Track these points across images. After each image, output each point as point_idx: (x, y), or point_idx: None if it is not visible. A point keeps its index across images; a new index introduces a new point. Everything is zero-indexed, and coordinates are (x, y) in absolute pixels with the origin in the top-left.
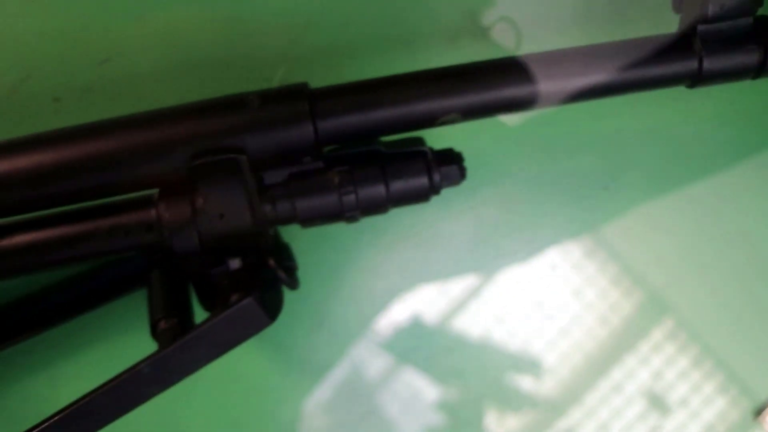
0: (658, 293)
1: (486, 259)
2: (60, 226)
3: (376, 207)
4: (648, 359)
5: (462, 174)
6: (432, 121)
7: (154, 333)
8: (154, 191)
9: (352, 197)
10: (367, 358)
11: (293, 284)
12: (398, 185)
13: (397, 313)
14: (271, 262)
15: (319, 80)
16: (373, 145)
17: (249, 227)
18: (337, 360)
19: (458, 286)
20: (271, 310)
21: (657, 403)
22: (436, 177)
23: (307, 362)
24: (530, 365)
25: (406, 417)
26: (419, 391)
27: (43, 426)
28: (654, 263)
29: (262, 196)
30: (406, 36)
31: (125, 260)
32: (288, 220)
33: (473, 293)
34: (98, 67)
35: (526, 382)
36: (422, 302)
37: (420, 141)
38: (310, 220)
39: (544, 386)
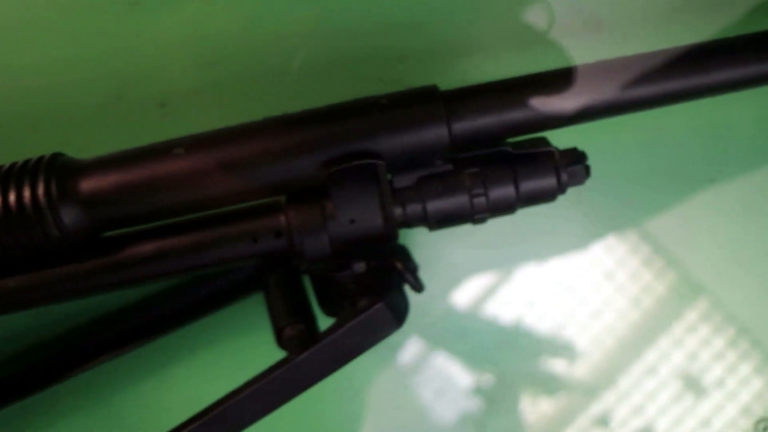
0: (692, 273)
1: (516, 242)
2: (186, 234)
3: (505, 208)
4: (682, 341)
5: (587, 173)
6: (566, 121)
7: (280, 340)
8: (275, 198)
9: (482, 199)
10: (401, 343)
11: (419, 286)
12: (528, 186)
13: (428, 299)
14: (398, 264)
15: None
16: (500, 146)
17: (380, 231)
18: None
19: (489, 270)
20: (399, 314)
21: (692, 384)
22: (564, 177)
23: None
24: (563, 349)
25: (439, 401)
26: (452, 375)
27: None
28: (686, 243)
29: (392, 200)
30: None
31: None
32: (417, 222)
33: (504, 278)
34: (205, 71)
35: (559, 366)
36: (454, 287)
37: (544, 141)
38: (440, 222)
39: (577, 370)
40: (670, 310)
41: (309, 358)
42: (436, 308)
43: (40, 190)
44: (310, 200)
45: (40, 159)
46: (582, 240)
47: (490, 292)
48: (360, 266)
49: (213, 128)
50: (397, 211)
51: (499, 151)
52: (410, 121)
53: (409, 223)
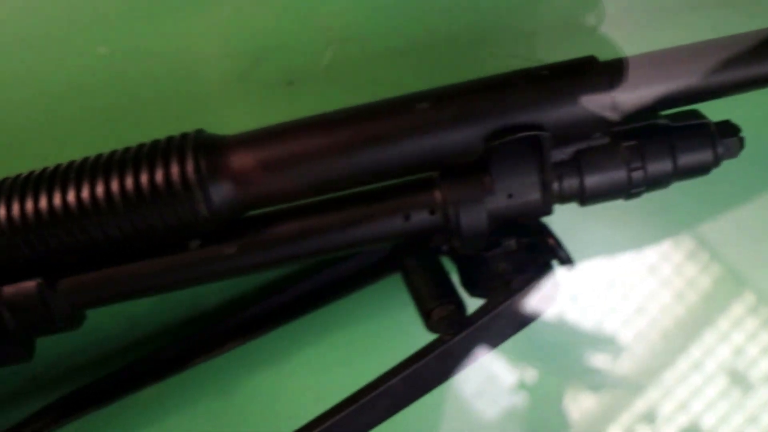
0: (737, 267)
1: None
2: (334, 212)
3: (661, 182)
4: (728, 335)
5: (741, 145)
6: (732, 89)
7: (430, 322)
8: (426, 174)
9: (640, 173)
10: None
11: (570, 262)
12: (685, 159)
13: None
14: (551, 240)
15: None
16: (655, 119)
17: (537, 206)
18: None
19: None
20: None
21: (739, 379)
22: (720, 149)
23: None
24: (606, 344)
25: (482, 398)
26: (495, 372)
27: (336, 418)
28: (731, 236)
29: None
30: None
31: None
32: (572, 197)
33: None
34: (334, 47)
35: (602, 362)
36: None
37: (697, 113)
38: (595, 197)
39: (621, 365)
40: (716, 304)
41: (463, 340)
42: (479, 302)
43: (189, 166)
44: (466, 175)
45: (185, 135)
46: (625, 234)
47: None
48: (510, 243)
49: (340, 107)
50: (554, 185)
51: (653, 124)
52: (574, 92)
53: (564, 197)
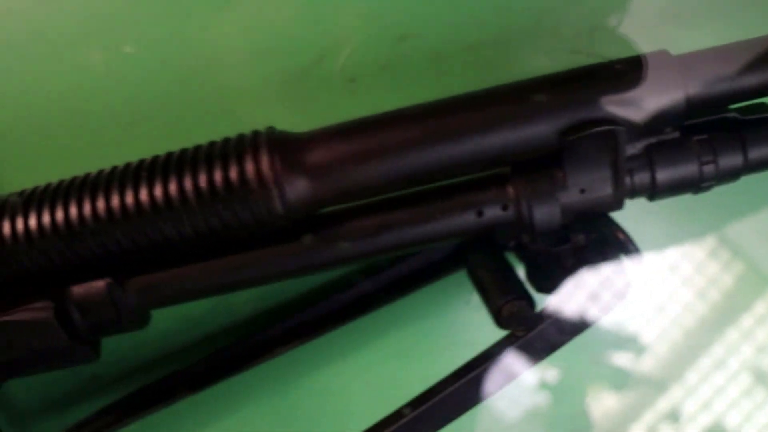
0: (760, 264)
1: None
2: (406, 208)
3: (732, 176)
4: (752, 333)
5: None
6: None
7: (500, 319)
8: (497, 170)
9: (711, 167)
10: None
11: (639, 257)
12: (756, 152)
13: None
14: (621, 234)
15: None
16: (725, 112)
17: (609, 201)
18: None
19: None
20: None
21: (763, 378)
22: None
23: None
24: (628, 343)
25: (503, 398)
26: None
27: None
28: (753, 233)
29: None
30: None
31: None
32: (642, 192)
33: None
34: (396, 45)
35: (624, 361)
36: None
37: (766, 106)
38: (664, 191)
39: (644, 364)
40: (739, 302)
41: (536, 336)
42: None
43: (265, 163)
44: (539, 170)
45: (257, 132)
46: (646, 233)
47: None
48: (580, 238)
49: (402, 105)
50: (626, 180)
51: (724, 117)
52: (648, 86)
53: (635, 192)
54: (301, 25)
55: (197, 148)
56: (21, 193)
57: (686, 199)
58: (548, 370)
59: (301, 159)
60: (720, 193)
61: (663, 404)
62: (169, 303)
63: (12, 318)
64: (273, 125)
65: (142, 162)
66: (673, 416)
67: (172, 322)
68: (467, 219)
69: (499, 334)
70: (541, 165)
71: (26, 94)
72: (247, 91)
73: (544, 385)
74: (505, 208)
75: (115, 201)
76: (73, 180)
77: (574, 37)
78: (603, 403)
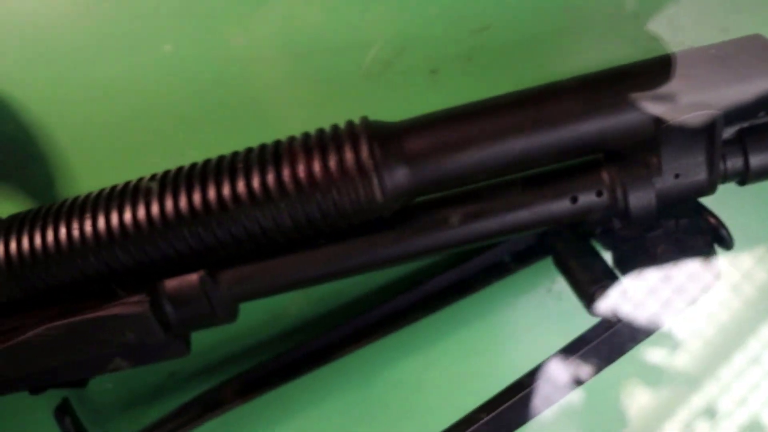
0: None
1: None
2: (503, 196)
3: None
4: None
5: None
6: None
7: (591, 305)
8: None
9: None
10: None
11: (730, 243)
12: None
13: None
14: (712, 219)
15: None
16: None
17: (702, 186)
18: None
19: None
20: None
21: None
22: None
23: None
24: (662, 339)
25: (538, 396)
26: (551, 368)
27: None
28: None
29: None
30: None
31: None
32: (734, 176)
33: None
34: (476, 36)
35: (658, 357)
36: None
37: None
38: (757, 176)
39: (678, 360)
40: None
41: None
42: None
43: (364, 152)
44: (633, 156)
45: (352, 123)
46: None
47: None
48: (670, 224)
49: (484, 95)
50: (719, 165)
51: None
52: (744, 71)
53: (727, 177)
54: (383, 18)
55: (292, 140)
56: (113, 189)
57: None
58: (581, 367)
59: (400, 147)
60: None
61: (698, 401)
62: (261, 295)
63: (108, 313)
64: (360, 115)
65: (236, 154)
66: (709, 413)
67: (252, 317)
68: (562, 206)
69: (583, 320)
70: (636, 151)
71: (88, 97)
72: (331, 85)
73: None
74: (599, 194)
75: (212, 193)
76: (166, 174)
77: (652, 23)
78: (637, 400)
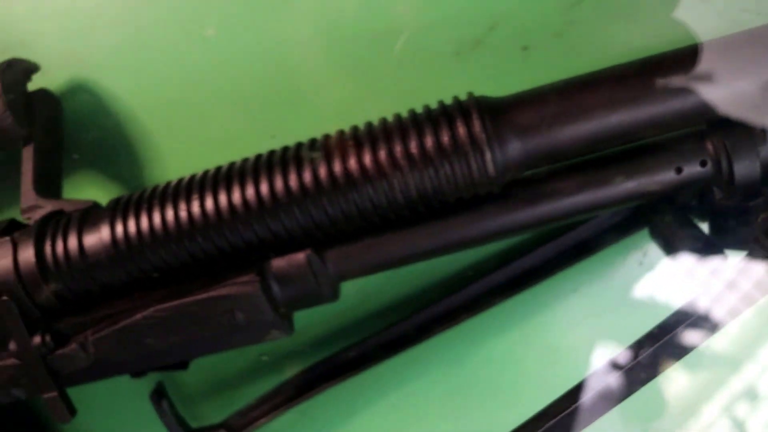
0: None
1: None
2: (608, 168)
3: None
4: None
5: None
6: None
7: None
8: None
9: None
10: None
11: None
12: None
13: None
14: None
15: None
16: None
17: None
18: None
19: None
20: None
21: None
22: None
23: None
24: (700, 321)
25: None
26: (588, 351)
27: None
28: None
29: None
30: None
31: None
32: None
33: None
34: (569, 11)
35: (696, 339)
36: None
37: None
38: None
39: (716, 343)
40: None
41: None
42: None
43: (476, 126)
44: (737, 125)
45: (459, 99)
46: None
47: None
48: None
49: (576, 72)
50: None
51: None
52: None
53: None
54: None
55: (399, 118)
56: (218, 170)
57: None
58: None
59: (511, 121)
60: None
61: (737, 383)
62: (365, 273)
63: (217, 293)
64: (451, 94)
65: (341, 133)
66: (750, 395)
67: (343, 298)
68: (666, 176)
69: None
70: (737, 120)
71: (173, 83)
72: (423, 64)
73: (614, 366)
74: (703, 164)
75: (323, 171)
76: (272, 154)
77: None
78: (676, 383)
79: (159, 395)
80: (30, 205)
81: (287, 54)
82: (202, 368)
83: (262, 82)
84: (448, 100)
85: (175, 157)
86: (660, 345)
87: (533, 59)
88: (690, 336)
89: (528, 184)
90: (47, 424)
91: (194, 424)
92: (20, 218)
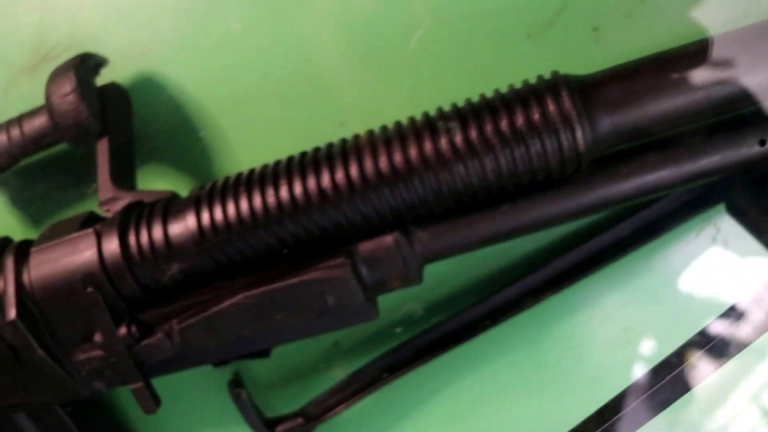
0: None
1: None
2: (687, 143)
3: None
4: None
5: None
6: None
7: None
8: None
9: None
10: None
11: None
12: None
13: None
14: None
15: None
16: None
17: None
18: None
19: None
20: None
21: None
22: None
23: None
24: (725, 309)
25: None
26: (616, 341)
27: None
28: None
29: None
30: None
31: None
32: None
33: None
34: None
35: (720, 327)
36: None
37: None
38: None
39: (740, 331)
40: None
41: None
42: None
43: (567, 103)
44: None
45: (545, 78)
46: None
47: None
48: None
49: (647, 52)
50: None
51: None
52: None
53: None
54: None
55: (484, 98)
56: (303, 154)
57: None
58: (646, 342)
59: (599, 97)
60: None
61: (765, 372)
62: (451, 254)
63: (308, 277)
64: (525, 77)
65: (426, 115)
66: None
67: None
68: (749, 150)
69: (752, 264)
70: None
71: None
72: (494, 45)
73: (642, 357)
74: None
75: (413, 152)
76: (357, 138)
77: None
78: (700, 370)
79: (237, 385)
80: (108, 197)
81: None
82: (274, 358)
83: (332, 67)
84: (525, 82)
85: (243, 146)
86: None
87: (605, 40)
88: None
89: (612, 161)
90: (119, 421)
91: (267, 414)
92: (98, 211)
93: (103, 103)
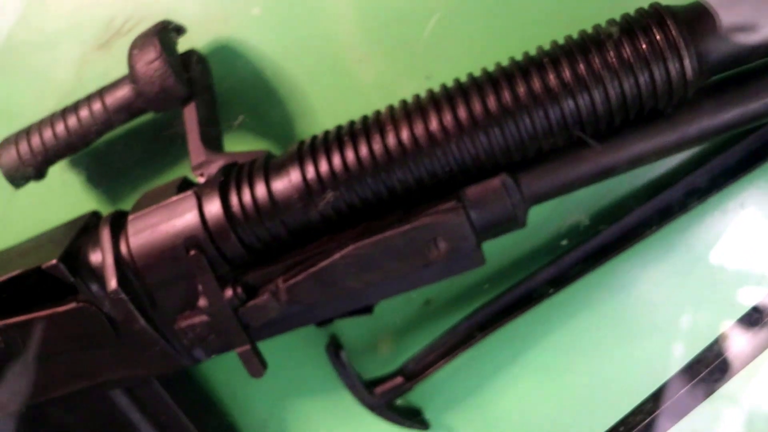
0: None
1: None
2: None
3: None
4: None
5: None
6: None
7: None
8: None
9: None
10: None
11: None
12: None
13: None
14: None
15: None
16: None
17: None
18: None
19: None
20: None
21: None
22: None
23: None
24: (758, 280)
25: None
26: (654, 315)
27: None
28: None
29: None
30: None
31: None
32: None
33: None
34: None
35: (756, 298)
36: None
37: None
38: None
39: None
40: None
41: None
42: None
43: (674, 31)
44: None
45: (648, 10)
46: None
47: None
48: None
49: None
50: None
51: None
52: None
53: None
54: None
55: (584, 34)
56: (404, 103)
57: None
58: (683, 316)
59: (704, 24)
60: None
61: None
62: (556, 194)
63: (420, 223)
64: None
65: (527, 54)
66: None
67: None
68: None
69: None
70: None
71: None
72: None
73: (677, 329)
74: None
75: (522, 89)
76: (461, 82)
77: None
78: (737, 343)
79: (335, 347)
80: (201, 161)
81: None
82: (368, 320)
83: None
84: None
85: (324, 107)
86: None
87: None
88: None
89: (715, 90)
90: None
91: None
92: (190, 176)
93: (186, 69)
